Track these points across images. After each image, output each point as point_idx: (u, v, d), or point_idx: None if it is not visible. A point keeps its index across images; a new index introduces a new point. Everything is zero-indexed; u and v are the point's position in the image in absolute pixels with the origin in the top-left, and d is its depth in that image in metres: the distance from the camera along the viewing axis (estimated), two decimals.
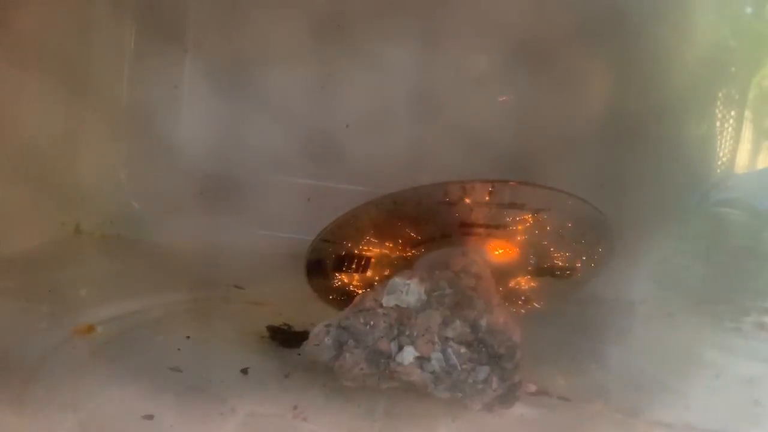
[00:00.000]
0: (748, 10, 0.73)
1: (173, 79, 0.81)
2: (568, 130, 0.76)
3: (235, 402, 0.45)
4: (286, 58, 0.80)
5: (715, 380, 0.53)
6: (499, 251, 0.57)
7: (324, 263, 0.60)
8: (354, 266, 0.60)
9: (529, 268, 0.59)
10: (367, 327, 0.45)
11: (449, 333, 0.44)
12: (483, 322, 0.44)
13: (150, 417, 0.43)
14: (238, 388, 0.47)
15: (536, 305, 0.60)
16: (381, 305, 0.46)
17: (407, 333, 0.45)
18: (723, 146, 0.73)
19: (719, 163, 0.74)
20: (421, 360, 0.44)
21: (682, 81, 0.72)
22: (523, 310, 0.60)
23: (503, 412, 0.45)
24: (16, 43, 0.66)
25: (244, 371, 0.50)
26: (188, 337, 0.54)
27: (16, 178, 0.69)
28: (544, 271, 0.58)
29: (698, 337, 0.60)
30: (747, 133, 0.72)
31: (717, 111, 0.73)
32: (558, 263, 0.58)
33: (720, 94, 0.74)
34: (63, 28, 0.73)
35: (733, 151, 0.73)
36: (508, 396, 0.45)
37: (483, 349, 0.44)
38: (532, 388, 0.47)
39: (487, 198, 0.54)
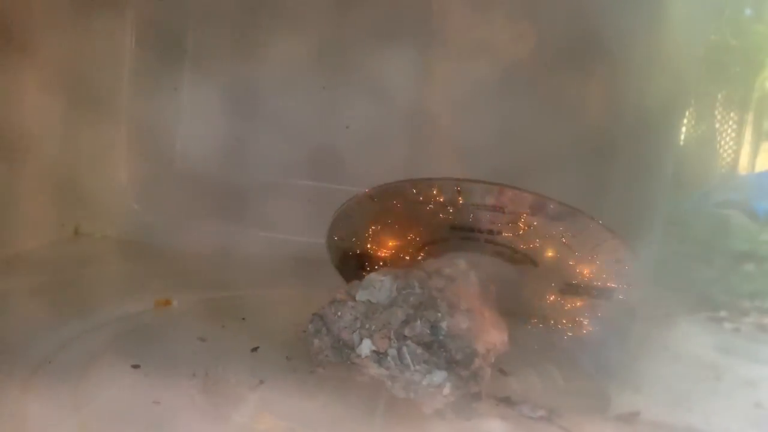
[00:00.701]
0: (748, 11, 0.74)
1: (173, 81, 0.81)
2: (566, 133, 0.76)
3: (215, 369, 0.48)
4: (286, 63, 0.80)
5: (715, 382, 0.53)
6: (507, 260, 0.57)
7: (349, 262, 0.61)
8: (374, 267, 0.60)
9: (555, 285, 0.57)
10: (336, 316, 0.47)
11: (407, 331, 0.45)
12: (443, 325, 0.45)
13: (137, 366, 0.47)
14: (231, 360, 0.50)
15: (588, 328, 0.58)
16: (353, 298, 0.47)
17: (367, 326, 0.46)
18: (724, 148, 0.73)
19: (720, 164, 0.74)
20: (378, 355, 0.45)
21: (683, 83, 0.72)
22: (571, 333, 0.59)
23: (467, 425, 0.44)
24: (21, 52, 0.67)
25: (254, 349, 0.52)
26: (244, 318, 0.58)
27: (18, 181, 0.69)
28: (576, 289, 0.56)
29: (698, 339, 0.60)
30: (748, 134, 0.72)
31: (717, 112, 0.73)
32: (586, 281, 0.56)
33: (720, 96, 0.74)
34: (65, 37, 0.74)
35: (734, 153, 0.73)
36: (463, 405, 0.44)
37: (442, 353, 0.44)
38: (540, 412, 0.45)
39: (459, 199, 0.54)
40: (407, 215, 0.58)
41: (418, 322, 0.45)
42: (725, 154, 0.73)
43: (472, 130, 0.78)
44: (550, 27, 0.75)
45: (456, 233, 0.57)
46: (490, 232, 0.56)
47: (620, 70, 0.75)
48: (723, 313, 0.62)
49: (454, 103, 0.78)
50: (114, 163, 0.82)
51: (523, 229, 0.55)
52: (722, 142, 0.73)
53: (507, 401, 0.46)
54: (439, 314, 0.45)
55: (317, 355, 0.48)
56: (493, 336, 0.46)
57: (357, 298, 0.47)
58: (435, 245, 0.58)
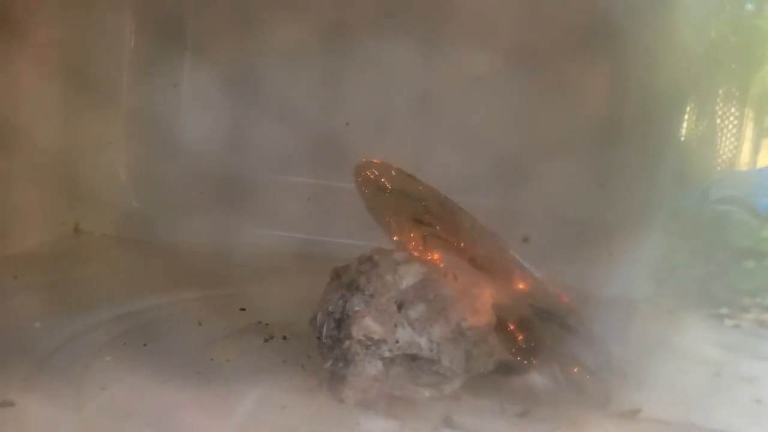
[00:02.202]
0: (749, 6, 0.73)
1: (173, 78, 0.81)
2: (567, 131, 0.76)
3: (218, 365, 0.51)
4: (287, 58, 0.80)
5: (715, 378, 0.53)
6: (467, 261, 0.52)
7: None
8: None
9: (527, 307, 0.52)
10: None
11: (330, 308, 0.47)
12: (347, 305, 0.47)
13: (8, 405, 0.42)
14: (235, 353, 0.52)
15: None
16: (339, 278, 0.50)
17: (324, 301, 0.49)
18: (723, 144, 0.73)
19: (719, 160, 0.74)
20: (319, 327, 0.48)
21: (683, 78, 0.72)
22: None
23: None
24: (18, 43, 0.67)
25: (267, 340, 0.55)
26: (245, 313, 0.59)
27: (17, 178, 0.69)
28: (542, 314, 0.51)
29: (699, 335, 0.60)
30: (748, 130, 0.72)
31: (717, 108, 0.73)
32: (547, 301, 0.51)
33: (720, 91, 0.74)
34: (63, 28, 0.73)
35: (734, 149, 0.73)
36: (332, 384, 0.46)
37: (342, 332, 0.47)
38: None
39: (383, 180, 0.54)
40: (380, 204, 0.58)
41: (340, 300, 0.47)
42: (726, 151, 0.73)
43: (476, 118, 0.78)
44: (553, 18, 0.75)
45: (417, 225, 0.56)
46: (428, 224, 0.54)
47: (622, 65, 0.75)
48: (723, 310, 0.63)
49: (459, 91, 0.78)
50: (113, 160, 0.82)
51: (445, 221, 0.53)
52: (723, 139, 0.73)
53: (446, 422, 0.45)
54: (350, 294, 0.47)
55: (311, 321, 0.51)
56: (399, 334, 0.46)
57: (341, 279, 0.49)
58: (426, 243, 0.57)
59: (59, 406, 0.42)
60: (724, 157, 0.74)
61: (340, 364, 0.45)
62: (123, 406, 0.43)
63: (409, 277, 0.48)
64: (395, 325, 0.46)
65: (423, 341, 0.46)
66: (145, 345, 0.52)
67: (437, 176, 0.76)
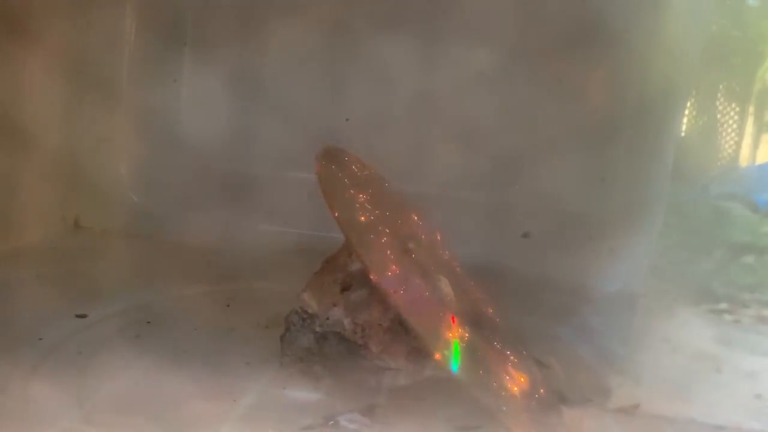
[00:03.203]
0: (751, 1, 0.73)
1: (173, 73, 0.81)
2: (567, 126, 0.76)
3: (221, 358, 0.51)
4: (287, 53, 0.79)
5: (716, 374, 0.53)
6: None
7: None
8: None
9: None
10: None
11: None
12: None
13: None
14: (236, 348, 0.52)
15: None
16: None
17: None
18: (725, 139, 0.73)
19: (721, 156, 0.74)
20: None
21: (683, 74, 0.72)
22: None
23: None
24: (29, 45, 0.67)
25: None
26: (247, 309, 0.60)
27: (18, 174, 0.69)
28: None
29: (698, 331, 0.60)
30: (749, 126, 0.72)
31: (719, 104, 0.73)
32: None
33: (722, 87, 0.74)
34: (69, 26, 0.73)
35: (735, 145, 0.72)
36: (280, 349, 0.49)
37: None
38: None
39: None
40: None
41: None
42: (726, 146, 0.73)
43: (476, 114, 0.78)
44: (553, 14, 0.75)
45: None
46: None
47: (622, 60, 0.75)
48: (723, 305, 0.63)
49: (458, 87, 0.78)
50: (113, 155, 0.82)
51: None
52: (723, 134, 0.73)
53: (368, 411, 0.44)
54: None
55: None
56: (331, 312, 0.48)
57: None
58: None
59: (63, 398, 0.42)
60: (725, 152, 0.74)
61: (283, 331, 0.49)
62: (125, 399, 0.43)
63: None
64: (333, 305, 0.48)
65: (347, 322, 0.47)
66: (147, 339, 0.52)
67: (437, 172, 0.77)
